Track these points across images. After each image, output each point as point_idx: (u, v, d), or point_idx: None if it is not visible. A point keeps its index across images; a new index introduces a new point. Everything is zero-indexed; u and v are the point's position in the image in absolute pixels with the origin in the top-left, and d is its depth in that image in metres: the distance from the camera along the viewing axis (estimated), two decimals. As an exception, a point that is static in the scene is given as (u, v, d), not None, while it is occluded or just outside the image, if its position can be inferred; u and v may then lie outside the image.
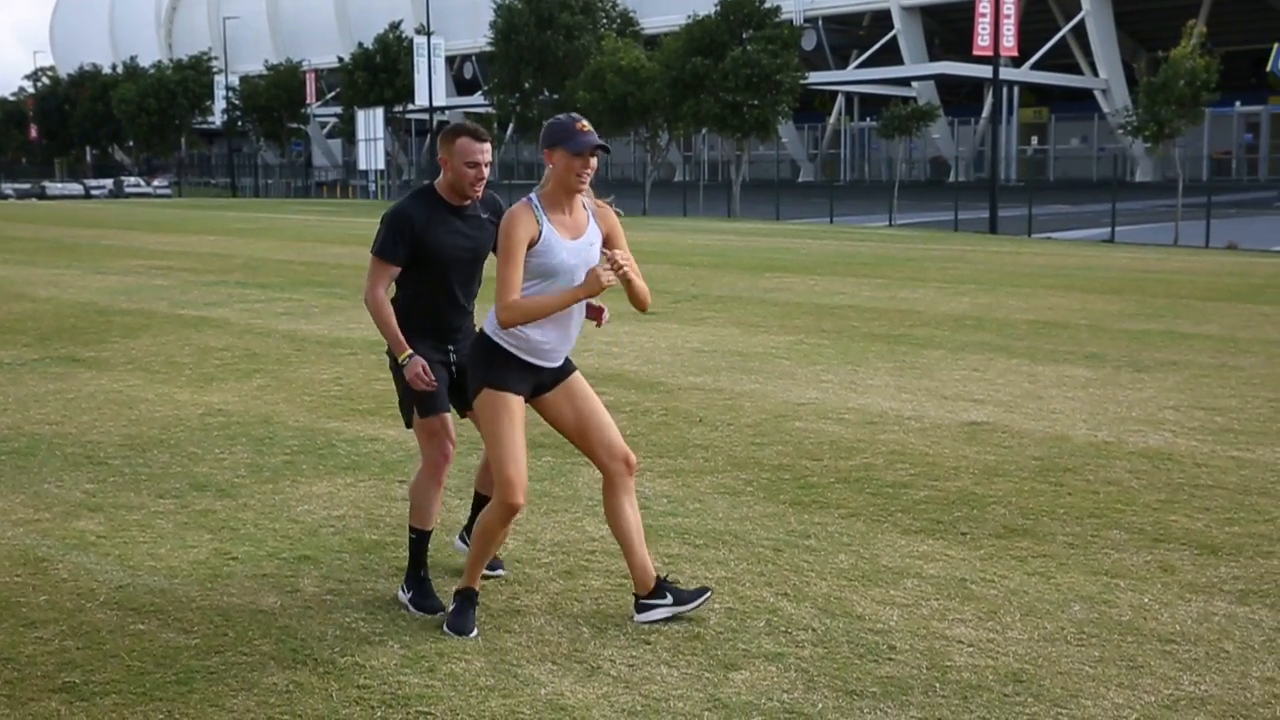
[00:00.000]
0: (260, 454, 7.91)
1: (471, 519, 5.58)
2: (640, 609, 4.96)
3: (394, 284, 5.29)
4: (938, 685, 4.40)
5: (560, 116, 4.70)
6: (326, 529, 6.29)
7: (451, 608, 4.90)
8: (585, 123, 4.64)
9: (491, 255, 5.14)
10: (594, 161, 4.65)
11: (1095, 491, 6.98)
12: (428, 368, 5.10)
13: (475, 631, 4.81)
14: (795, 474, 7.38)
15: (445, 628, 4.83)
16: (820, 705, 4.24)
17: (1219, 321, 14.58)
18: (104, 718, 4.16)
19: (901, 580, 5.50)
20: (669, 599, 4.94)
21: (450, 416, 5.27)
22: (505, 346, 4.73)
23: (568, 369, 4.93)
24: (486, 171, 5.18)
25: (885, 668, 4.55)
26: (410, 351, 5.12)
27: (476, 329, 5.08)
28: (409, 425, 5.35)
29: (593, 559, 5.80)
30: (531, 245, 4.64)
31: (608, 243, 4.81)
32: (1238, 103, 58.92)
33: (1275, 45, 44.52)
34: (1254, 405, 9.48)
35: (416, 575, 5.22)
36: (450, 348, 5.29)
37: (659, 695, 4.32)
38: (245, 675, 4.48)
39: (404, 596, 5.21)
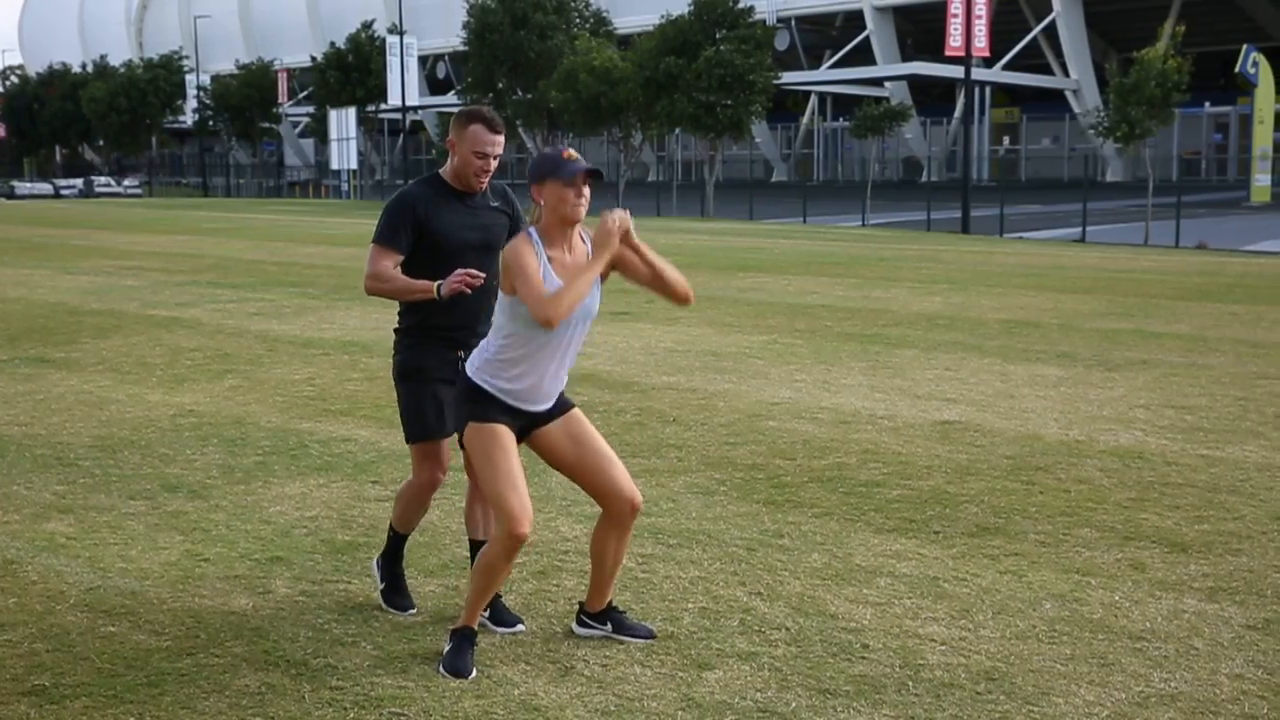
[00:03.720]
0: (232, 455, 7.87)
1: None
2: (580, 622, 4.88)
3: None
4: (910, 684, 4.41)
5: (546, 150, 4.54)
6: (299, 530, 6.27)
7: (448, 647, 4.57)
8: (572, 151, 4.48)
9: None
10: (587, 190, 4.42)
11: (1066, 490, 7.02)
12: (468, 269, 4.74)
13: (474, 673, 4.47)
14: (769, 473, 7.39)
15: (441, 668, 4.49)
16: (794, 704, 4.25)
17: (1189, 321, 14.68)
18: (74, 721, 4.14)
19: (874, 579, 5.52)
20: (609, 627, 4.82)
21: (448, 443, 5.04)
22: (488, 390, 4.49)
23: (563, 406, 4.66)
24: (494, 165, 4.91)
25: (858, 666, 4.56)
26: (438, 282, 4.75)
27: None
28: (408, 440, 5.09)
29: (566, 559, 5.79)
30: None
31: (635, 252, 4.55)
32: (1207, 104, 59.34)
33: (1244, 47, 44.88)
34: (1223, 404, 9.54)
35: (391, 570, 5.18)
36: (461, 354, 4.86)
37: (632, 695, 4.32)
38: (217, 677, 4.46)
39: (379, 582, 5.18)
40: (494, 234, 4.98)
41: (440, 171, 4.99)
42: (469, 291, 4.76)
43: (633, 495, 4.64)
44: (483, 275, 4.75)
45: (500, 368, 4.48)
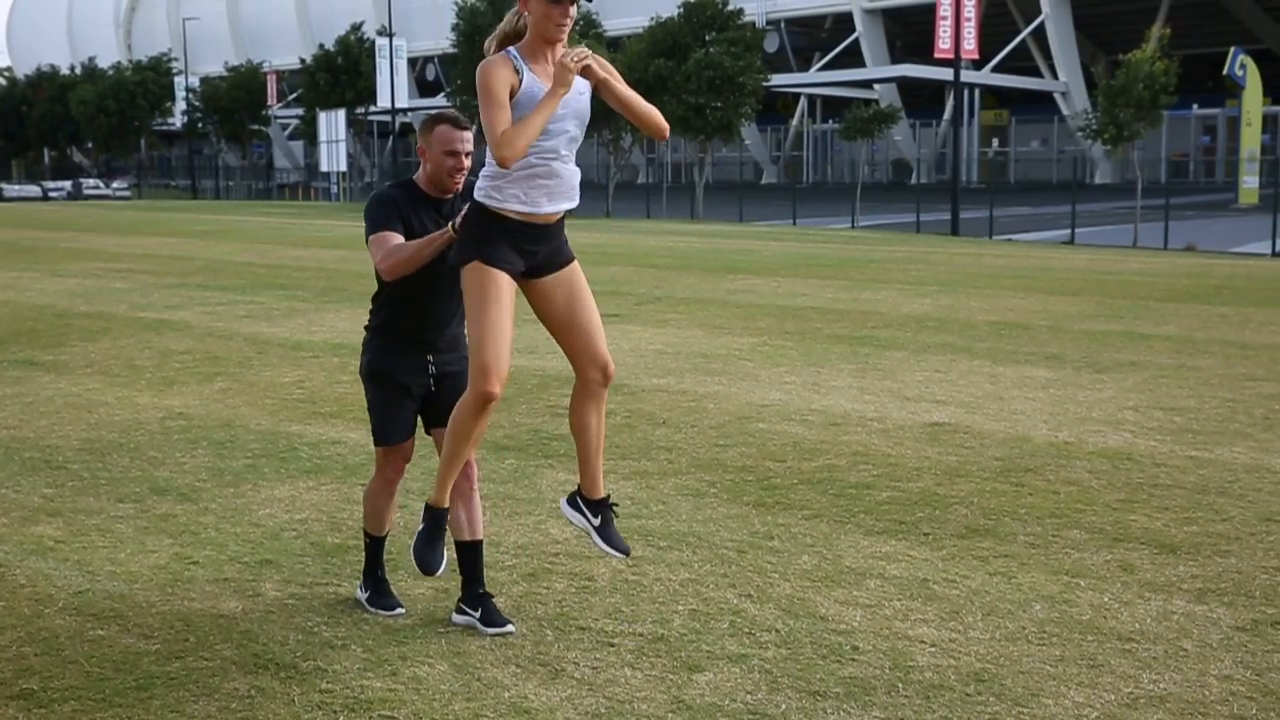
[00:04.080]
0: (221, 458, 7.85)
1: (464, 580, 5.02)
2: (571, 502, 4.89)
3: (380, 282, 4.95)
4: (900, 685, 4.42)
5: None
6: (288, 533, 6.26)
7: (419, 529, 4.69)
8: None
9: None
10: (573, 11, 4.39)
11: (1056, 491, 7.03)
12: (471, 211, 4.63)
13: (444, 565, 4.64)
14: (758, 475, 7.39)
15: (413, 557, 4.68)
16: (784, 706, 4.25)
17: (1177, 322, 14.72)
18: (63, 724, 4.13)
19: (864, 581, 5.52)
20: (597, 521, 4.83)
21: (412, 440, 5.11)
22: (499, 207, 4.43)
23: (566, 255, 4.63)
24: (467, 162, 4.89)
25: (848, 668, 4.56)
26: (451, 222, 4.66)
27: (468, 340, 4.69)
28: (376, 443, 5.12)
29: (556, 562, 5.79)
30: (512, 96, 4.33)
31: (600, 89, 4.49)
32: (1195, 106, 59.52)
33: (1232, 49, 45.01)
34: (1211, 405, 9.57)
35: (373, 575, 5.21)
36: (431, 358, 4.95)
37: (623, 697, 4.32)
38: (206, 681, 4.45)
39: (362, 595, 5.20)
40: None
41: (414, 178, 4.98)
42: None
43: (606, 361, 4.67)
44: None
45: (501, 179, 4.45)
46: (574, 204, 4.61)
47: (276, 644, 4.79)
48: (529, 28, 4.44)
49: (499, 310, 4.42)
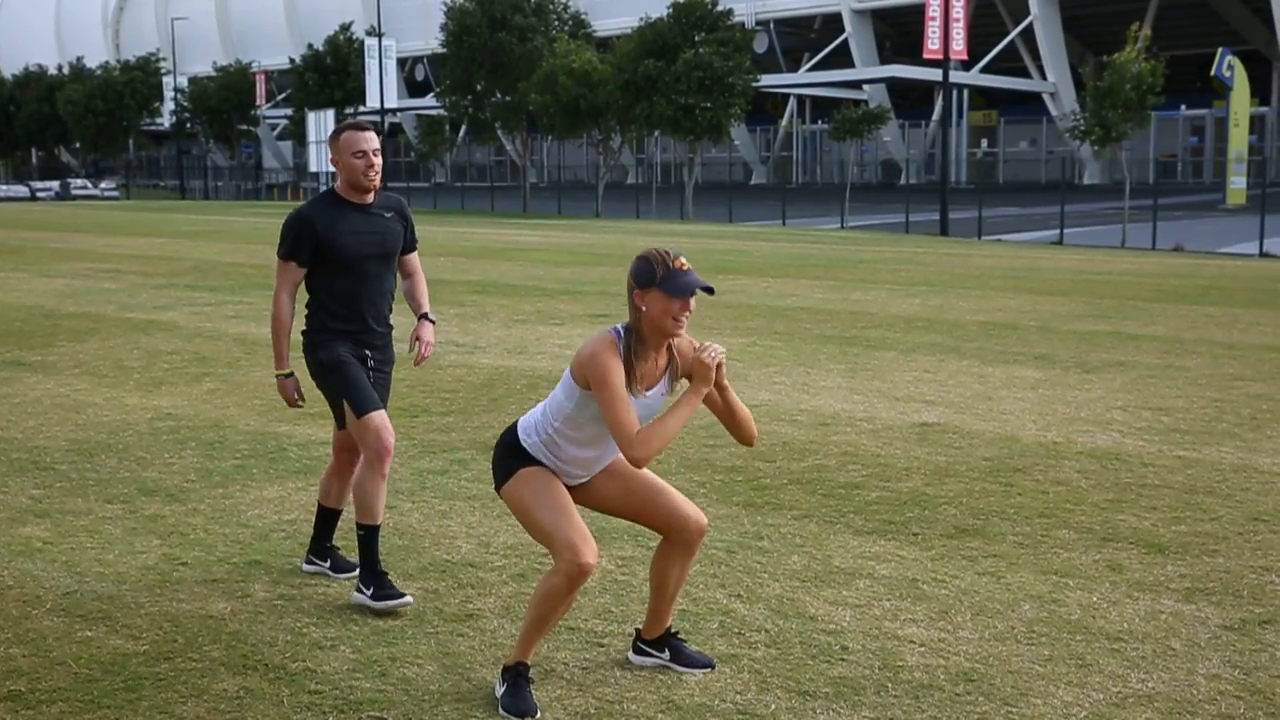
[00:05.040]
0: (210, 458, 7.84)
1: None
2: (637, 650, 4.62)
3: (311, 288, 5.34)
4: (890, 685, 4.42)
5: (652, 252, 4.13)
6: (277, 533, 6.25)
7: (501, 688, 4.27)
8: (684, 260, 4.11)
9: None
10: (693, 303, 4.10)
11: (1044, 491, 7.05)
12: (299, 390, 5.43)
13: (540, 712, 4.19)
14: (748, 476, 7.39)
15: (501, 710, 4.19)
16: (773, 706, 4.25)
17: (1165, 323, 14.75)
18: (51, 726, 4.11)
19: (854, 581, 5.53)
20: (667, 655, 4.57)
21: (385, 412, 5.29)
22: (534, 455, 4.29)
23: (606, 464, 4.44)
24: (377, 160, 5.21)
25: (838, 668, 4.57)
26: (288, 370, 5.38)
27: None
28: (341, 426, 5.40)
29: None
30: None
31: (721, 393, 4.29)
32: (1183, 107, 59.66)
33: (1219, 50, 45.12)
34: (1199, 405, 9.59)
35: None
36: (368, 353, 5.34)
37: (612, 698, 4.32)
38: (195, 682, 4.44)
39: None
40: (391, 243, 5.38)
41: (334, 187, 5.32)
42: (292, 406, 5.56)
43: (699, 519, 4.42)
44: (300, 402, 5.52)
45: (560, 444, 4.28)
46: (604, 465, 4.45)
47: (265, 645, 4.78)
48: (645, 321, 4.11)
49: (559, 495, 4.25)
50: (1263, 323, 14.80)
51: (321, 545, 5.62)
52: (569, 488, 4.35)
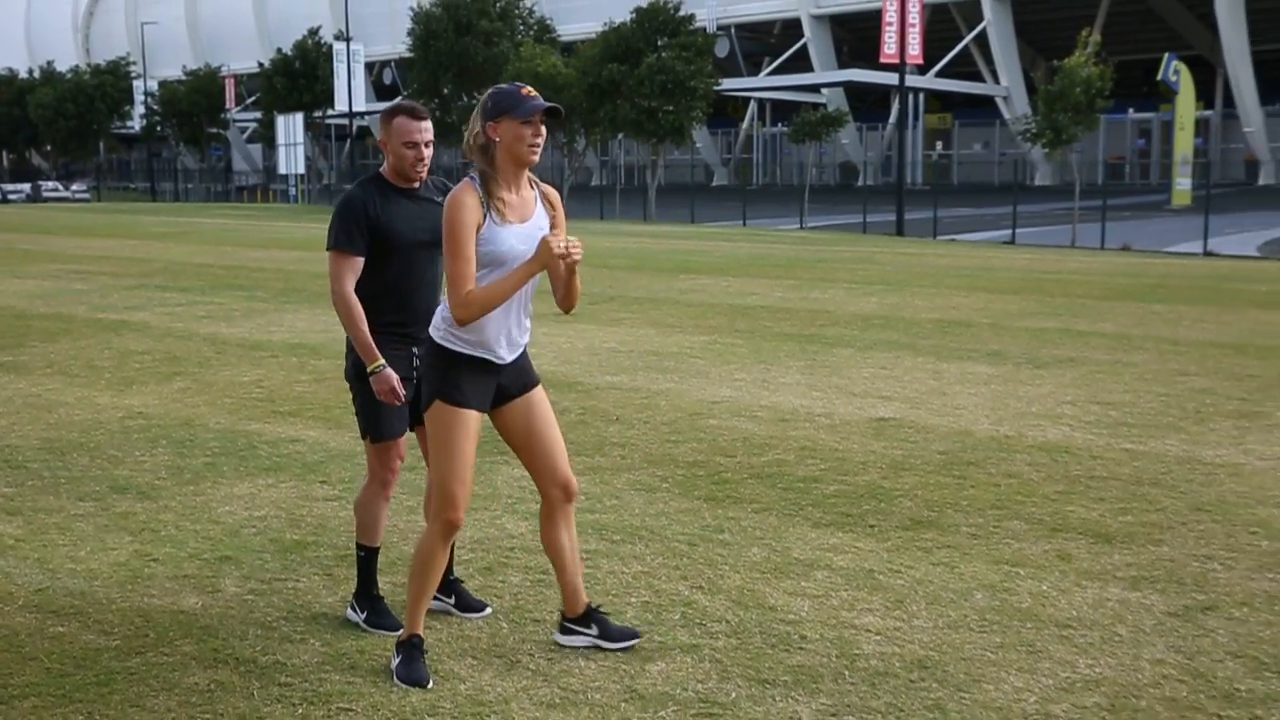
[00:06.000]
0: (181, 456, 7.79)
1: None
2: (564, 630, 4.69)
3: (357, 281, 4.85)
4: (847, 673, 4.45)
5: (503, 85, 4.25)
6: (248, 530, 6.22)
7: (397, 660, 4.41)
8: (530, 88, 4.19)
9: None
10: (543, 129, 4.19)
11: (997, 484, 7.10)
12: (400, 383, 4.72)
13: (431, 681, 4.32)
14: (709, 470, 7.41)
15: (395, 679, 4.34)
16: (734, 694, 4.27)
17: (1113, 320, 14.87)
18: (24, 720, 4.09)
19: (812, 572, 5.56)
20: (594, 630, 4.65)
21: (404, 438, 4.98)
22: (457, 349, 4.30)
23: (532, 378, 4.50)
24: (428, 152, 4.79)
25: (796, 657, 4.59)
26: (382, 362, 4.69)
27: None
28: (364, 436, 4.97)
29: (512, 555, 5.79)
30: (477, 231, 4.18)
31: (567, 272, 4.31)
32: (1131, 110, 60.08)
33: (1166, 56, 45.51)
34: (1146, 400, 9.68)
35: (369, 594, 4.97)
36: (415, 350, 4.77)
37: (577, 687, 4.33)
38: (166, 676, 4.42)
39: (356, 617, 4.95)
40: (440, 229, 4.80)
41: (380, 171, 4.91)
42: (396, 403, 4.76)
43: (567, 479, 4.53)
44: (402, 399, 4.74)
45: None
46: (529, 338, 4.49)
47: (236, 639, 4.76)
48: (499, 150, 4.19)
49: (468, 445, 4.31)
50: (1207, 320, 14.94)
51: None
52: (496, 400, 4.41)
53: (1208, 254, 29.00)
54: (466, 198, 4.18)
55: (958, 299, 17.26)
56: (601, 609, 4.77)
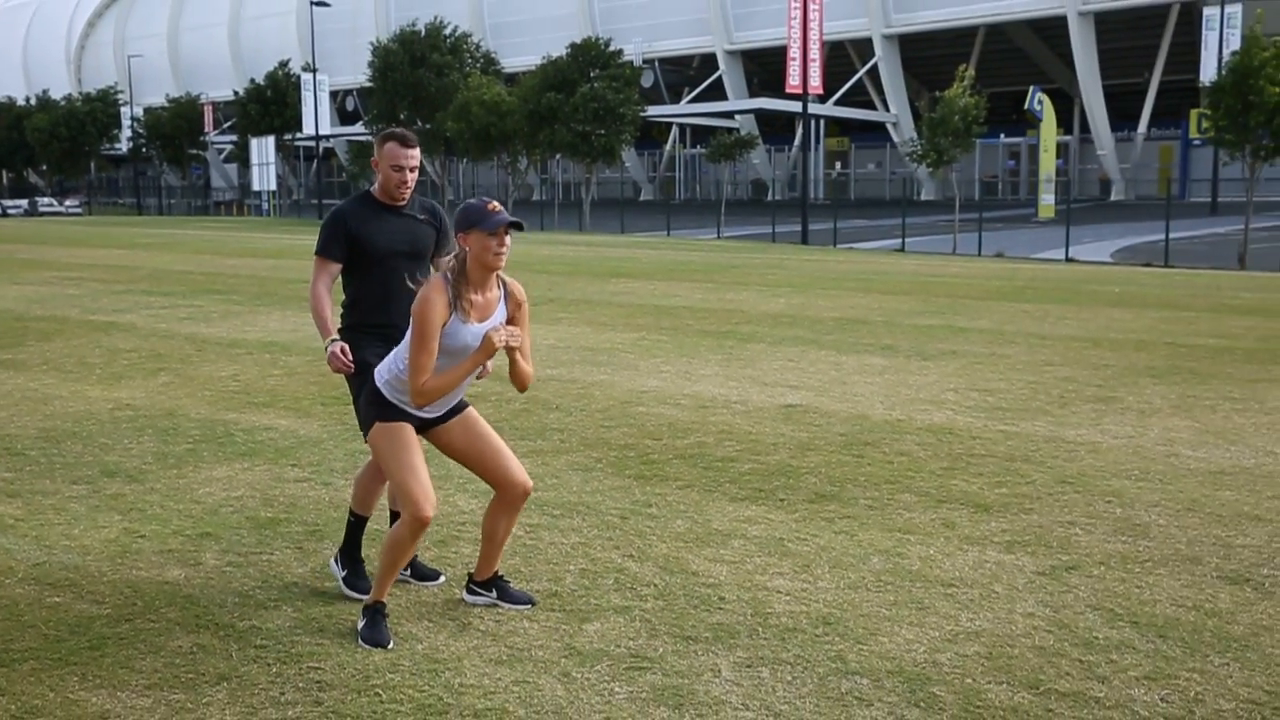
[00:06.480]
0: (165, 443, 7.65)
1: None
2: (470, 591, 4.72)
3: (346, 287, 4.92)
4: (760, 629, 4.45)
5: (471, 201, 4.23)
6: (226, 508, 6.12)
7: (362, 622, 4.38)
8: (496, 203, 4.21)
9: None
10: (508, 239, 4.20)
11: (890, 461, 7.15)
12: (347, 350, 4.73)
13: (391, 642, 4.29)
14: (639, 452, 7.40)
15: (360, 642, 4.30)
16: (661, 650, 4.26)
17: (989, 317, 15.04)
18: (22, 681, 3.98)
19: (730, 541, 5.56)
20: (494, 594, 4.69)
21: None
22: (394, 400, 4.32)
23: (459, 406, 4.49)
24: (412, 176, 4.79)
25: (716, 616, 4.59)
26: (335, 337, 4.75)
27: None
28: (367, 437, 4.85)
29: (463, 529, 5.74)
30: (442, 326, 4.18)
31: (511, 322, 4.36)
32: (1002, 135, 60.84)
33: (1031, 88, 46.16)
34: (1018, 387, 9.80)
35: (352, 555, 4.92)
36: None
37: (522, 645, 4.30)
38: (153, 640, 4.33)
39: (337, 570, 4.92)
40: (422, 244, 4.93)
41: (370, 189, 4.93)
42: (344, 372, 4.76)
43: (524, 482, 4.49)
44: (350, 366, 4.75)
45: (405, 386, 4.29)
46: (459, 398, 4.48)
47: (216, 606, 4.68)
48: (469, 258, 4.19)
49: (410, 453, 4.28)
50: (1069, 317, 15.16)
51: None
52: (425, 425, 4.41)
53: (1069, 260, 29.45)
54: (437, 297, 4.16)
55: (855, 299, 17.38)
56: (504, 577, 4.78)
